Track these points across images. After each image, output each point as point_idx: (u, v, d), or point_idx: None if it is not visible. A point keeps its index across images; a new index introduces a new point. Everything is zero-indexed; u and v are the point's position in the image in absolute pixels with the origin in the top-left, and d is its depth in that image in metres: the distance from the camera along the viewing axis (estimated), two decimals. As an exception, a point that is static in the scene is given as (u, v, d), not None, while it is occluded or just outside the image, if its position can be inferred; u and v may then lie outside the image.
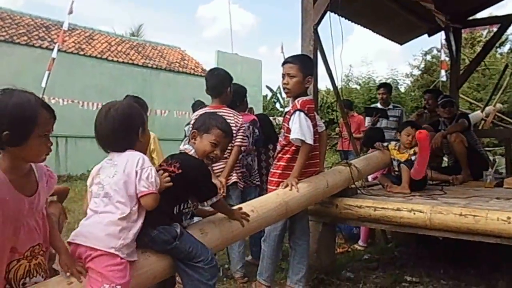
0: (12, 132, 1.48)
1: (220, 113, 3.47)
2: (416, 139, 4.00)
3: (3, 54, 12.15)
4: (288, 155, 3.32)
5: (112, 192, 1.88)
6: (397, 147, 4.33)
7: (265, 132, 4.33)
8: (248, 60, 17.88)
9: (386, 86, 6.88)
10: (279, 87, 19.70)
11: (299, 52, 4.19)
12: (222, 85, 3.83)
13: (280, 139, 3.44)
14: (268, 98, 21.71)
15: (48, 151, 1.62)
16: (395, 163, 4.31)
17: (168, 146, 4.34)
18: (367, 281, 3.76)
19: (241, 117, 3.86)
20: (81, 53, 14.43)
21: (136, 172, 1.87)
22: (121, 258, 1.80)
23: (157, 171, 2.11)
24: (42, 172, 1.71)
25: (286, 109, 3.98)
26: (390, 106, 6.55)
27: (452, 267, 4.00)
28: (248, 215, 2.57)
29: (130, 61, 15.60)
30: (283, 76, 3.32)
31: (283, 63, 3.35)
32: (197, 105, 4.29)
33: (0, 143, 1.49)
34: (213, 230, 2.41)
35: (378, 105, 6.70)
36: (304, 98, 3.29)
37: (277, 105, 21.42)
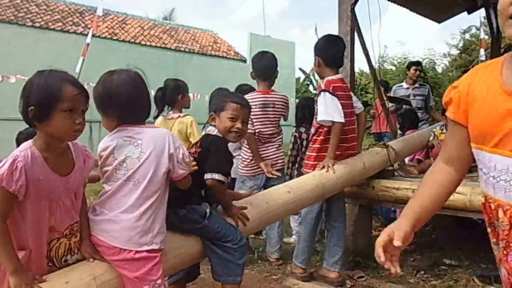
0: (36, 107, 1.49)
1: (271, 97, 3.72)
2: None
3: (39, 40, 12.44)
4: (321, 137, 3.28)
5: (141, 178, 1.72)
6: (443, 130, 4.18)
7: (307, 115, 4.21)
8: (280, 43, 17.66)
9: (418, 64, 6.71)
10: (312, 70, 19.43)
11: (334, 33, 4.07)
12: (272, 68, 3.76)
13: (314, 122, 3.39)
14: (301, 80, 21.46)
15: (76, 127, 1.53)
16: None
17: (200, 130, 4.33)
18: (404, 264, 3.68)
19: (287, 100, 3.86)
20: (115, 38, 14.63)
21: (171, 155, 1.75)
22: (155, 252, 1.73)
23: None
24: (80, 151, 1.69)
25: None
26: (417, 85, 6.34)
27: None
28: (247, 218, 2.28)
29: (163, 45, 15.71)
30: None
31: None
32: (244, 90, 4.03)
33: (28, 119, 1.52)
34: (249, 211, 2.38)
35: (404, 84, 6.48)
36: (329, 77, 3.25)
37: (310, 88, 21.18)
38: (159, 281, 1.72)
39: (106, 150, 1.77)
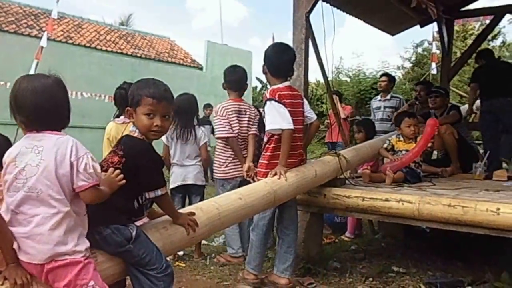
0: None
1: (243, 105, 4.07)
2: (426, 125, 4.12)
3: (-8, 42, 11.92)
4: (272, 145, 3.32)
5: (42, 187, 1.60)
6: (400, 138, 4.32)
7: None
8: (238, 51, 17.77)
9: (387, 75, 6.92)
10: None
11: (290, 43, 4.16)
12: (243, 81, 4.15)
13: (266, 131, 3.43)
14: (258, 89, 21.63)
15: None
16: (400, 154, 4.26)
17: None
18: (354, 271, 3.76)
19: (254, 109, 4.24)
20: (70, 42, 14.21)
21: (72, 164, 1.63)
22: (84, 258, 1.67)
23: (106, 161, 1.97)
24: None
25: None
26: (388, 97, 6.55)
27: (440, 259, 4.01)
28: (196, 224, 2.23)
29: (119, 51, 15.40)
30: None
31: None
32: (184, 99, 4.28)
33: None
34: (200, 217, 2.36)
35: (379, 96, 6.74)
36: (275, 86, 3.31)
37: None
38: (91, 283, 1.66)
39: (8, 157, 1.67)
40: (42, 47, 10.58)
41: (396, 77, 19.06)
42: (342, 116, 7.25)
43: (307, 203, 3.75)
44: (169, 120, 2.11)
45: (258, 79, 21.23)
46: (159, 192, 2.01)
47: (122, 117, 3.63)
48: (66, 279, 1.62)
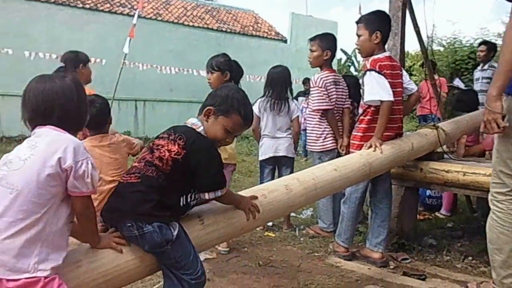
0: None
1: (337, 77, 3.97)
2: None
3: (89, 22, 12.77)
4: (368, 117, 3.23)
5: (21, 185, 1.39)
6: None
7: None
8: (322, 22, 17.30)
9: (486, 44, 6.55)
10: (354, 50, 18.99)
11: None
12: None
13: (361, 102, 3.34)
14: (343, 61, 21.04)
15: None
16: None
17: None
18: (451, 249, 3.60)
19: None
20: (159, 18, 14.80)
21: (67, 169, 1.42)
22: (45, 277, 1.38)
23: (154, 145, 1.84)
24: None
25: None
26: (485, 67, 6.08)
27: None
28: (258, 210, 2.09)
29: (205, 26, 15.76)
30: (357, 37, 3.27)
31: (356, 23, 3.30)
32: (278, 71, 4.23)
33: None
34: (297, 187, 2.39)
35: (480, 66, 6.39)
36: (375, 56, 3.15)
37: (352, 69, 20.73)
38: None
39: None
40: (134, 25, 11.16)
41: (498, 45, 17.46)
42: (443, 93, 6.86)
43: (402, 177, 3.62)
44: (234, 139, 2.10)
45: (342, 50, 20.61)
46: (219, 193, 1.88)
47: None
48: None
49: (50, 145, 1.44)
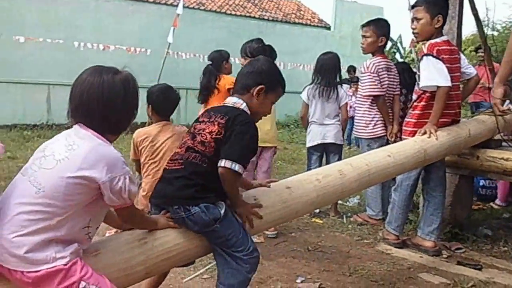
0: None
1: (389, 63, 3.93)
2: None
3: (134, 12, 13.05)
4: (423, 103, 3.14)
5: (48, 186, 1.35)
6: None
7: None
8: (368, 8, 16.88)
9: None
10: (399, 37, 18.44)
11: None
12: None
13: (415, 88, 3.25)
14: (388, 48, 20.47)
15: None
16: None
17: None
18: (508, 240, 3.46)
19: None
20: (202, 8, 14.92)
21: (100, 185, 1.37)
22: (65, 264, 1.35)
23: (195, 130, 1.85)
24: None
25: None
26: None
27: None
28: (259, 217, 1.90)
29: (247, 14, 15.75)
30: (412, 21, 3.15)
31: (412, 7, 3.18)
32: (328, 57, 4.21)
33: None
34: (350, 172, 2.37)
35: None
36: (433, 40, 3.04)
37: (397, 56, 20.14)
38: (82, 285, 1.37)
39: (47, 142, 1.49)
40: (178, 15, 11.31)
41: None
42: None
43: (457, 164, 3.50)
44: None
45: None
46: (236, 167, 1.73)
47: None
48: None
49: (88, 155, 1.37)
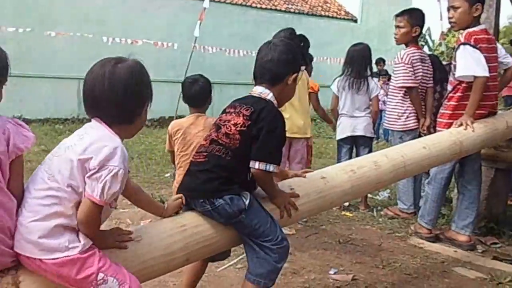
0: None
1: (423, 55, 3.87)
2: None
3: (160, 7, 13.12)
4: (459, 94, 3.08)
5: (56, 172, 1.37)
6: None
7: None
8: (396, 0, 16.60)
9: None
10: (428, 29, 18.01)
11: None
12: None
13: (450, 78, 3.18)
14: (415, 41, 20.10)
15: None
16: None
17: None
18: (547, 237, 3.37)
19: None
20: (228, 1, 14.94)
21: (91, 169, 1.34)
22: (81, 253, 1.35)
23: (221, 121, 1.83)
24: None
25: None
26: None
27: None
28: (296, 208, 1.91)
29: (273, 7, 15.69)
30: (448, 9, 3.08)
31: None
32: (359, 49, 4.16)
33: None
34: (384, 164, 2.35)
35: None
36: (470, 29, 2.97)
37: (425, 48, 19.73)
38: (101, 276, 1.36)
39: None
40: (204, 8, 11.35)
41: None
42: None
43: (493, 158, 3.43)
44: None
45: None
46: (270, 168, 1.74)
47: None
48: (67, 275, 1.35)
49: (93, 143, 1.37)
